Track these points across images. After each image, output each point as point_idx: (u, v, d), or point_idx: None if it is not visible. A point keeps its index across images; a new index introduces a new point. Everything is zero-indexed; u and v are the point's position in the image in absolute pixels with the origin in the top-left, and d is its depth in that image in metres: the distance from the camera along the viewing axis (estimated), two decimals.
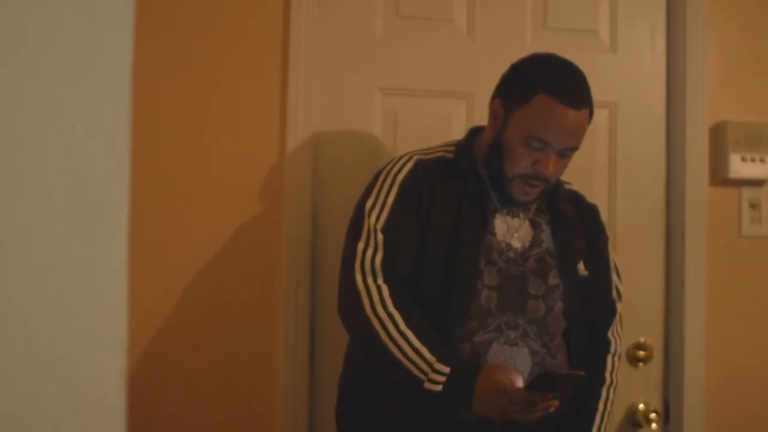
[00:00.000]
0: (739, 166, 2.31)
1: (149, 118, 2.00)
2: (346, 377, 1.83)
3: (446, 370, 1.59)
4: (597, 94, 2.26)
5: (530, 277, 1.74)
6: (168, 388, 2.05)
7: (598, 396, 1.80)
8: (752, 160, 2.32)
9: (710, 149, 2.32)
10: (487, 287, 1.70)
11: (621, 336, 1.88)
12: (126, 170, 0.69)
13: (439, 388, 1.58)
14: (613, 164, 2.31)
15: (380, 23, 2.20)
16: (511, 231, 1.76)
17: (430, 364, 1.59)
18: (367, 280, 1.66)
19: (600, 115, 2.29)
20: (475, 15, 2.25)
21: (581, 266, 1.80)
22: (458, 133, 1.98)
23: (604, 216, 2.25)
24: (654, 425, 2.23)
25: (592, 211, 1.91)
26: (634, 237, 2.31)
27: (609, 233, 1.93)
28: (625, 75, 2.33)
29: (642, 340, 2.29)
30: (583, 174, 2.25)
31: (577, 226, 1.83)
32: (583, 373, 1.58)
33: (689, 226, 2.29)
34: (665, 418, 2.30)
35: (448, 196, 1.73)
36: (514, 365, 1.66)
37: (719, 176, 2.32)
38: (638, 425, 2.26)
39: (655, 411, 2.25)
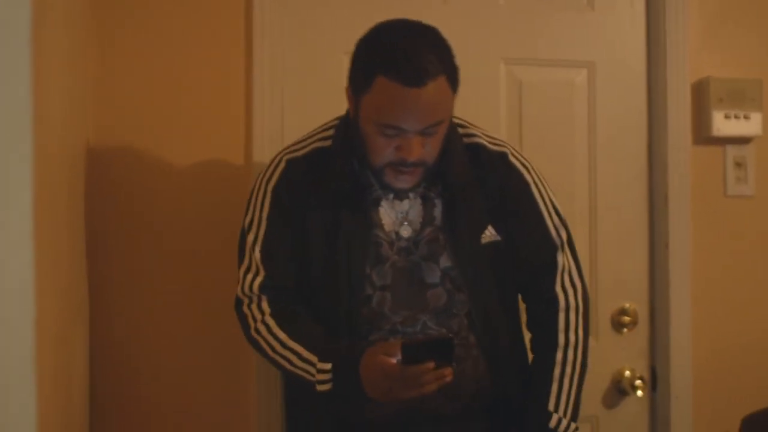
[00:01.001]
0: (723, 124, 2.24)
1: (113, 118, 1.96)
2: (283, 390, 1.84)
3: (328, 366, 1.53)
4: (574, 53, 2.23)
5: (422, 265, 1.61)
6: (145, 382, 2.00)
7: (552, 361, 1.62)
8: (736, 117, 2.25)
9: (692, 107, 2.26)
10: (379, 289, 1.60)
11: (577, 286, 1.67)
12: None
13: (328, 386, 1.53)
14: (592, 126, 2.24)
15: None
16: (401, 215, 1.62)
17: (313, 365, 1.54)
18: (251, 305, 1.64)
19: (578, 76, 2.24)
20: None
21: (490, 232, 1.63)
22: None
23: (583, 181, 2.22)
24: (640, 392, 2.18)
25: (498, 159, 1.66)
26: (616, 200, 2.25)
27: (532, 177, 1.68)
28: (603, 33, 2.26)
29: (626, 305, 2.24)
30: (562, 137, 2.22)
31: (476, 188, 1.63)
32: (450, 336, 1.46)
33: (672, 187, 2.23)
34: (652, 385, 2.25)
35: (324, 197, 1.61)
36: None
37: (702, 135, 2.26)
38: (624, 392, 2.21)
39: (640, 378, 2.20)
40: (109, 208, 1.96)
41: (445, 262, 1.61)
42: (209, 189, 2.01)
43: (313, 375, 1.53)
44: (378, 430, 1.61)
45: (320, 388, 1.53)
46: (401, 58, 1.45)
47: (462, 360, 1.59)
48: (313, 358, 1.54)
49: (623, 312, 2.24)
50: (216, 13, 2.02)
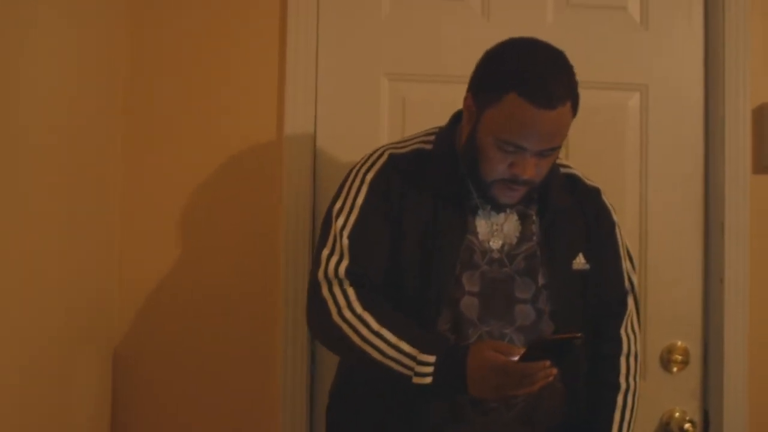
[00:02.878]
0: None
1: (144, 105, 2.01)
2: (335, 387, 1.75)
3: (431, 359, 1.49)
4: (626, 76, 2.15)
5: (517, 279, 1.61)
6: (166, 380, 2.03)
7: (613, 405, 1.66)
8: None
9: (753, 134, 2.15)
10: (468, 293, 1.59)
11: (637, 333, 1.72)
12: None
13: (429, 380, 1.49)
14: (644, 152, 2.15)
15: (387, 6, 2.09)
16: (496, 228, 1.63)
17: (413, 357, 1.50)
18: (332, 288, 1.58)
19: (630, 99, 2.15)
20: None
21: (580, 259, 1.66)
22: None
23: (634, 210, 2.14)
24: None
25: (592, 194, 1.73)
26: (668, 231, 2.15)
27: (616, 219, 1.75)
28: (658, 54, 2.16)
29: (678, 343, 2.13)
30: (612, 162, 2.14)
31: (572, 215, 1.68)
32: (580, 334, 1.42)
33: (729, 218, 2.12)
34: (703, 429, 2.13)
35: (422, 195, 1.61)
36: None
37: (763, 163, 2.15)
38: None
39: (690, 421, 2.08)
40: (138, 189, 2.02)
41: (541, 279, 1.62)
42: (238, 178, 2.04)
43: (410, 368, 1.49)
44: None
45: (418, 380, 1.49)
46: (537, 79, 1.48)
47: (542, 387, 1.54)
48: (413, 350, 1.50)
49: (674, 350, 2.13)
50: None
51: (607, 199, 1.75)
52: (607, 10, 2.14)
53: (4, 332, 1.37)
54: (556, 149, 1.55)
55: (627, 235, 2.07)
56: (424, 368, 1.49)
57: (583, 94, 2.06)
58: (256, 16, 2.05)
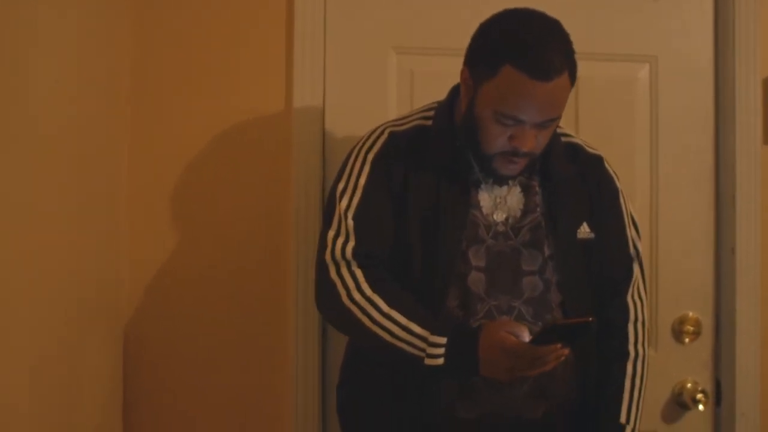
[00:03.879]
0: None
1: (152, 81, 2.00)
2: (345, 363, 1.76)
3: (443, 341, 1.50)
4: (636, 47, 2.13)
5: (523, 251, 1.61)
6: (177, 359, 2.02)
7: (624, 373, 1.65)
8: None
9: (763, 104, 2.14)
10: (475, 268, 1.58)
11: (644, 300, 1.71)
12: None
13: (441, 361, 1.50)
14: (654, 124, 2.13)
15: None
16: (500, 201, 1.62)
17: (424, 339, 1.50)
18: (340, 270, 1.58)
19: (640, 71, 2.14)
20: None
21: (584, 228, 1.65)
22: None
23: (644, 182, 2.13)
24: (701, 407, 2.06)
25: (594, 162, 1.71)
26: (679, 203, 2.14)
27: (620, 186, 1.73)
28: (667, 25, 2.14)
29: (690, 314, 2.13)
30: (622, 135, 2.13)
31: (575, 184, 1.67)
32: (592, 318, 1.43)
33: (740, 189, 2.11)
34: (716, 399, 2.13)
35: (425, 172, 1.60)
36: None
37: None
38: (685, 406, 2.10)
39: (702, 391, 2.08)
40: (146, 169, 2.01)
41: (547, 250, 1.61)
42: (247, 155, 2.03)
43: (422, 349, 1.50)
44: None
45: (430, 362, 1.50)
46: (532, 50, 1.47)
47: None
48: (424, 332, 1.51)
49: (686, 320, 2.12)
50: None
51: (610, 166, 1.74)
52: None
53: (16, 316, 1.38)
54: (555, 120, 1.54)
55: (638, 207, 2.09)
56: (435, 350, 1.50)
57: (592, 66, 2.08)
58: None
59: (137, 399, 2.00)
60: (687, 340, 2.12)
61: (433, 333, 1.50)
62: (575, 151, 1.71)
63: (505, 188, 1.63)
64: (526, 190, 1.63)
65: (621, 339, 1.66)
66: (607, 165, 1.73)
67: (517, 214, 1.62)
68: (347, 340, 1.75)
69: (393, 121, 1.71)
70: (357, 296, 1.55)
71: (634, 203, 2.07)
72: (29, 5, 1.42)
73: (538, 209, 1.63)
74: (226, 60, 2.02)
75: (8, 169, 1.33)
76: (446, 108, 1.66)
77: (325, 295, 1.60)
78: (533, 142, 1.53)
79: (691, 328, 2.12)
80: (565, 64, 1.49)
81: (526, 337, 1.46)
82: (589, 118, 2.10)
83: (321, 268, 1.60)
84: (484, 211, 1.61)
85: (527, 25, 1.51)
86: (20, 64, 1.38)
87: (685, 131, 2.14)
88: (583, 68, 2.05)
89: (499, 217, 1.61)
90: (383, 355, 1.57)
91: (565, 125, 2.05)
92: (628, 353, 1.66)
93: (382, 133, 1.66)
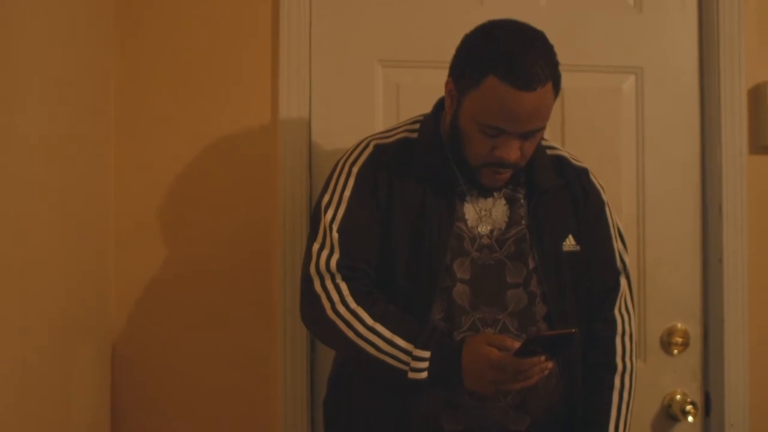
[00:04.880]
0: None
1: (136, 94, 2.00)
2: (332, 375, 1.74)
3: (427, 354, 1.50)
4: (621, 59, 2.14)
5: (507, 264, 1.60)
6: (166, 372, 2.02)
7: (611, 386, 1.64)
8: None
9: (749, 114, 2.14)
10: (459, 281, 1.58)
11: (631, 313, 1.70)
12: None
13: (424, 375, 1.49)
14: (640, 135, 2.14)
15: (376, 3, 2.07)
16: (485, 213, 1.62)
17: (408, 353, 1.50)
18: (325, 283, 1.57)
19: (625, 82, 2.14)
20: None
21: (570, 241, 1.64)
22: None
23: (631, 192, 2.13)
24: (691, 418, 2.05)
25: (580, 174, 1.71)
26: (666, 213, 2.14)
27: (606, 199, 1.73)
28: (652, 37, 2.15)
29: (678, 325, 2.12)
30: (608, 146, 2.13)
31: (560, 197, 1.66)
32: (575, 330, 1.43)
33: (727, 199, 2.12)
34: (705, 411, 2.12)
35: (410, 184, 1.60)
36: None
37: (759, 143, 2.15)
38: (674, 418, 2.09)
39: (692, 403, 2.07)
40: (132, 181, 2.00)
41: (532, 262, 1.60)
42: (234, 168, 2.03)
43: (406, 363, 1.50)
44: None
45: (413, 376, 1.50)
46: (516, 61, 1.47)
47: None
48: (408, 345, 1.51)
49: (674, 332, 2.12)
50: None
51: (596, 178, 1.74)
52: None
53: (2, 330, 1.36)
54: (539, 130, 1.54)
55: (624, 219, 2.09)
56: (419, 363, 1.49)
57: (578, 78, 2.09)
58: (248, 1, 2.03)
59: (127, 413, 1.98)
60: (676, 351, 2.11)
61: (417, 347, 1.50)
62: (561, 163, 1.70)
63: (490, 200, 1.62)
64: (511, 202, 1.63)
65: (609, 352, 1.65)
66: (593, 177, 1.73)
67: (502, 226, 1.61)
68: (335, 353, 1.73)
69: (378, 134, 1.71)
70: (341, 309, 1.54)
71: (620, 215, 2.08)
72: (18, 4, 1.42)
73: (523, 221, 1.62)
74: (212, 72, 2.01)
75: None
76: (432, 120, 1.66)
77: (310, 307, 1.59)
78: (517, 153, 1.52)
79: (680, 340, 2.11)
80: (548, 75, 1.49)
81: (510, 349, 1.45)
82: (576, 129, 2.10)
83: (306, 281, 1.60)
84: (470, 223, 1.61)
85: (511, 36, 1.51)
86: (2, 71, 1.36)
87: (671, 142, 2.14)
88: (568, 80, 2.06)
89: (483, 229, 1.61)
90: (365, 371, 1.57)
91: (551, 137, 2.06)
92: (616, 366, 1.65)
93: (367, 146, 1.66)
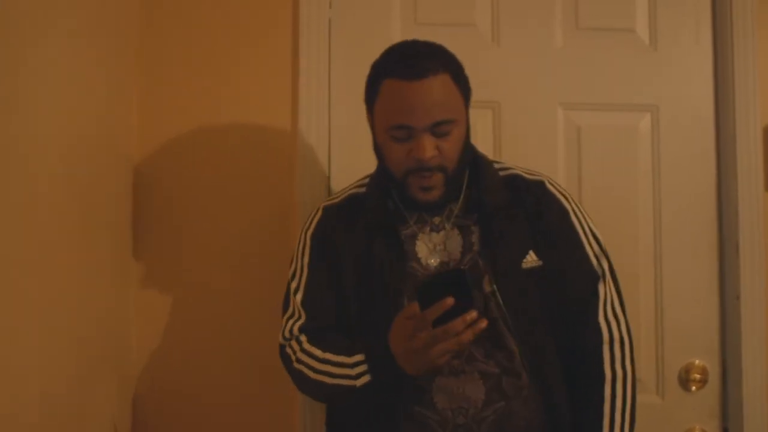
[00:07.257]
0: None
1: (157, 100, 2.04)
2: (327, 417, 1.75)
3: (361, 357, 1.52)
4: (636, 97, 2.15)
5: None
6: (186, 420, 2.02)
7: (601, 397, 1.54)
8: None
9: (764, 151, 2.14)
10: None
11: (620, 317, 1.60)
12: None
13: (367, 378, 1.50)
14: (657, 172, 2.14)
15: (398, 30, 2.10)
16: (439, 247, 1.60)
17: (347, 365, 1.53)
18: (291, 344, 1.65)
19: (641, 120, 2.15)
20: (499, 18, 2.11)
21: (531, 257, 1.58)
22: (478, 144, 1.80)
23: (648, 229, 2.13)
24: None
25: (533, 187, 1.65)
26: (683, 250, 2.14)
27: (571, 205, 1.65)
28: (668, 74, 2.16)
29: (696, 361, 2.11)
30: (624, 183, 2.14)
31: (512, 214, 1.61)
32: (462, 267, 1.43)
33: (743, 236, 2.11)
34: None
35: (356, 236, 1.63)
36: (464, 395, 1.52)
37: None
38: None
39: None
40: (155, 198, 2.04)
41: (487, 287, 1.55)
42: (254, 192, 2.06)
43: (351, 376, 1.51)
44: None
45: (360, 382, 1.50)
46: (404, 56, 1.53)
47: (510, 398, 1.53)
48: (346, 359, 1.53)
49: (692, 368, 2.11)
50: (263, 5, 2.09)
51: (557, 186, 1.67)
52: (615, 32, 2.15)
53: (23, 371, 1.38)
54: (449, 124, 1.52)
55: (641, 254, 2.10)
56: (358, 368, 1.51)
57: (595, 116, 2.11)
58: (267, 8, 2.08)
59: None
60: (694, 388, 2.10)
61: (349, 355, 1.53)
62: (515, 180, 1.66)
63: (442, 233, 1.60)
64: (464, 231, 1.60)
65: (594, 362, 1.57)
66: (550, 186, 1.66)
67: (457, 256, 1.58)
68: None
69: (329, 197, 1.78)
70: (302, 356, 1.60)
71: (637, 251, 2.10)
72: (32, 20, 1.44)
73: (474, 247, 1.58)
74: (232, 78, 2.05)
75: (9, 230, 1.34)
76: (379, 173, 1.66)
77: (286, 368, 1.66)
78: (433, 151, 1.52)
79: (698, 376, 2.11)
80: (441, 65, 1.51)
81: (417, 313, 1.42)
82: (592, 167, 2.11)
83: (280, 349, 1.68)
84: (423, 261, 1.59)
85: (401, 44, 1.58)
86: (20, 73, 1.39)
87: (687, 179, 2.15)
88: (585, 118, 2.11)
89: (434, 262, 1.58)
90: (345, 405, 1.61)
91: (569, 174, 2.10)
92: (603, 375, 1.55)
93: (317, 211, 1.72)
